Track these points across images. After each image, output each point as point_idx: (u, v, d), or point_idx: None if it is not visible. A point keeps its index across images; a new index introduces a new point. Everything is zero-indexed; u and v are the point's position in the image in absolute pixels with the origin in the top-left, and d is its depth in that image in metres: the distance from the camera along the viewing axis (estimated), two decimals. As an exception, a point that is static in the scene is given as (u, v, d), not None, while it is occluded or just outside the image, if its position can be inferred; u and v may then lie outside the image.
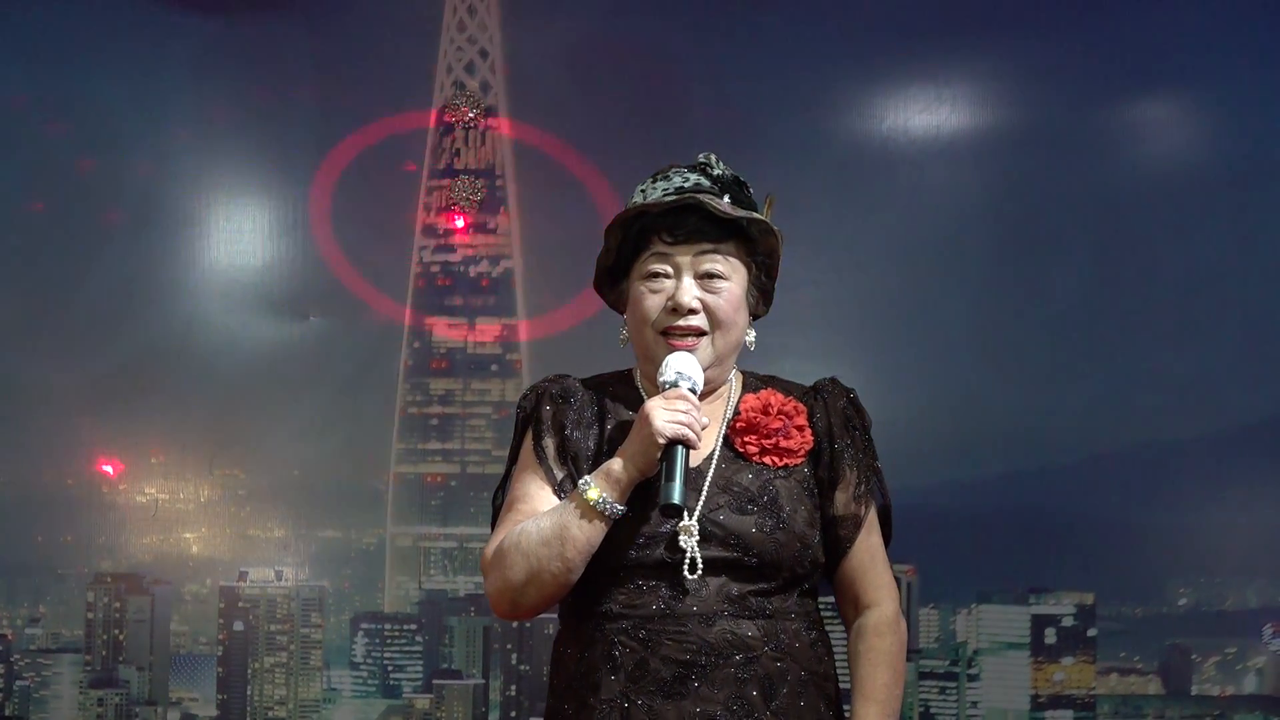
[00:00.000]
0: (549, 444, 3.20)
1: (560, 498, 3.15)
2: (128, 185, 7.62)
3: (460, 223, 7.70)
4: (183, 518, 7.62)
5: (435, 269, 7.75)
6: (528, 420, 3.25)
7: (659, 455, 3.05)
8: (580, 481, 3.09)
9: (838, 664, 3.22)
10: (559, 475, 3.19)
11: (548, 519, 3.09)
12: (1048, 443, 7.44)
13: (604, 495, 3.06)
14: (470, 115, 7.70)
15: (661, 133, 7.43)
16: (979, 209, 7.50)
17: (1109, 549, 7.41)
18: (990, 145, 7.53)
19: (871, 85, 7.57)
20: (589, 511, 3.05)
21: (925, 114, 7.50)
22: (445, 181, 7.72)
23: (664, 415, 3.04)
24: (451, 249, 7.74)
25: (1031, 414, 7.42)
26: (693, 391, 3.10)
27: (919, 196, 7.49)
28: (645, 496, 3.08)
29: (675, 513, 3.04)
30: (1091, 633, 7.41)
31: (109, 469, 7.59)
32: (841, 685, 3.23)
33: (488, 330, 7.75)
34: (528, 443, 3.23)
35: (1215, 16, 7.43)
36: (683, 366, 3.12)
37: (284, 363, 7.59)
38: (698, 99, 7.52)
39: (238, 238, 7.60)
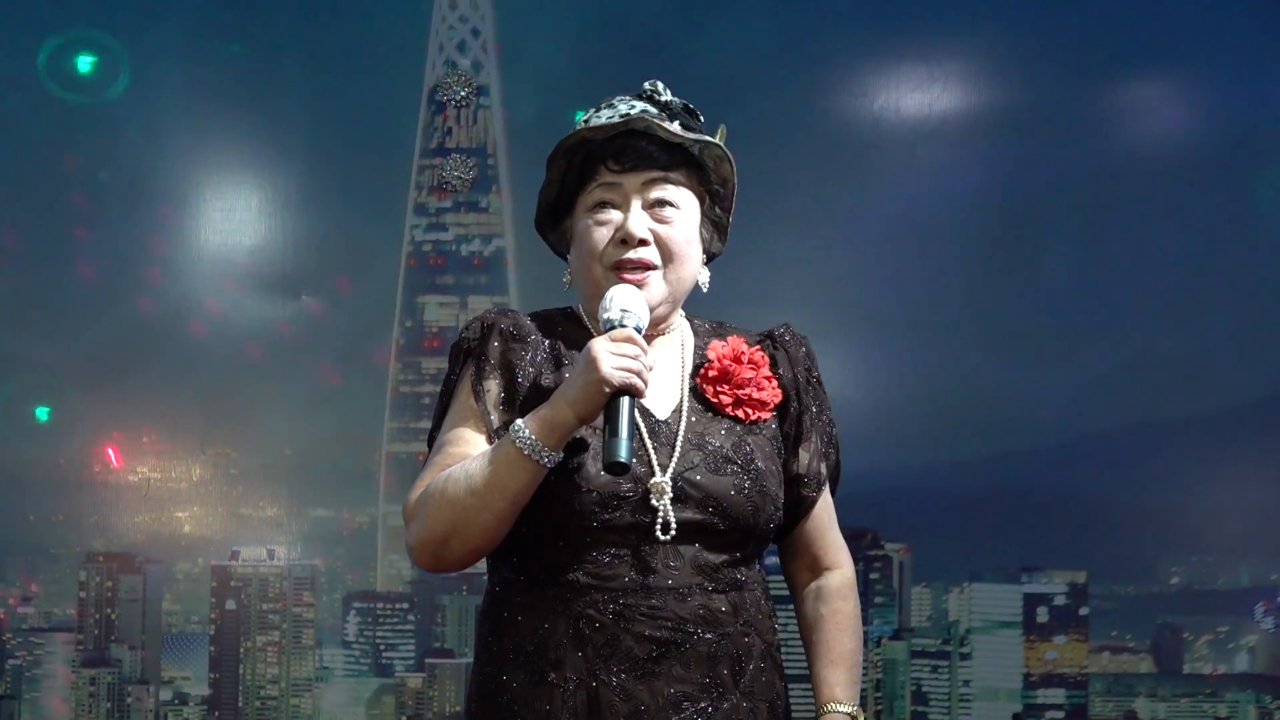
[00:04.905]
0: (492, 386, 2.93)
1: None
2: (118, 164, 7.59)
3: (449, 202, 7.69)
4: (175, 497, 7.60)
5: (427, 248, 7.74)
6: (470, 355, 2.97)
7: (603, 403, 2.78)
8: (513, 426, 2.80)
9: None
10: (497, 422, 2.91)
11: (477, 465, 2.81)
12: (1040, 422, 7.43)
13: (539, 442, 2.77)
14: (462, 94, 7.68)
15: (653, 111, 7.41)
16: (970, 188, 7.48)
17: (1101, 528, 7.40)
18: (982, 124, 7.51)
19: (863, 63, 7.55)
20: (521, 459, 2.77)
21: (917, 93, 7.48)
22: (437, 160, 7.71)
23: (611, 360, 2.76)
24: (443, 228, 7.73)
25: (1023, 393, 7.42)
26: (638, 330, 2.83)
27: (910, 176, 7.47)
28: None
29: (621, 471, 2.75)
30: (1084, 611, 7.40)
31: (112, 454, 7.57)
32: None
33: (480, 309, 7.74)
34: (467, 381, 2.96)
35: (1206, -5, 7.44)
36: (627, 302, 2.86)
37: (276, 341, 7.57)
38: (689, 76, 7.44)
39: (229, 216, 7.58)
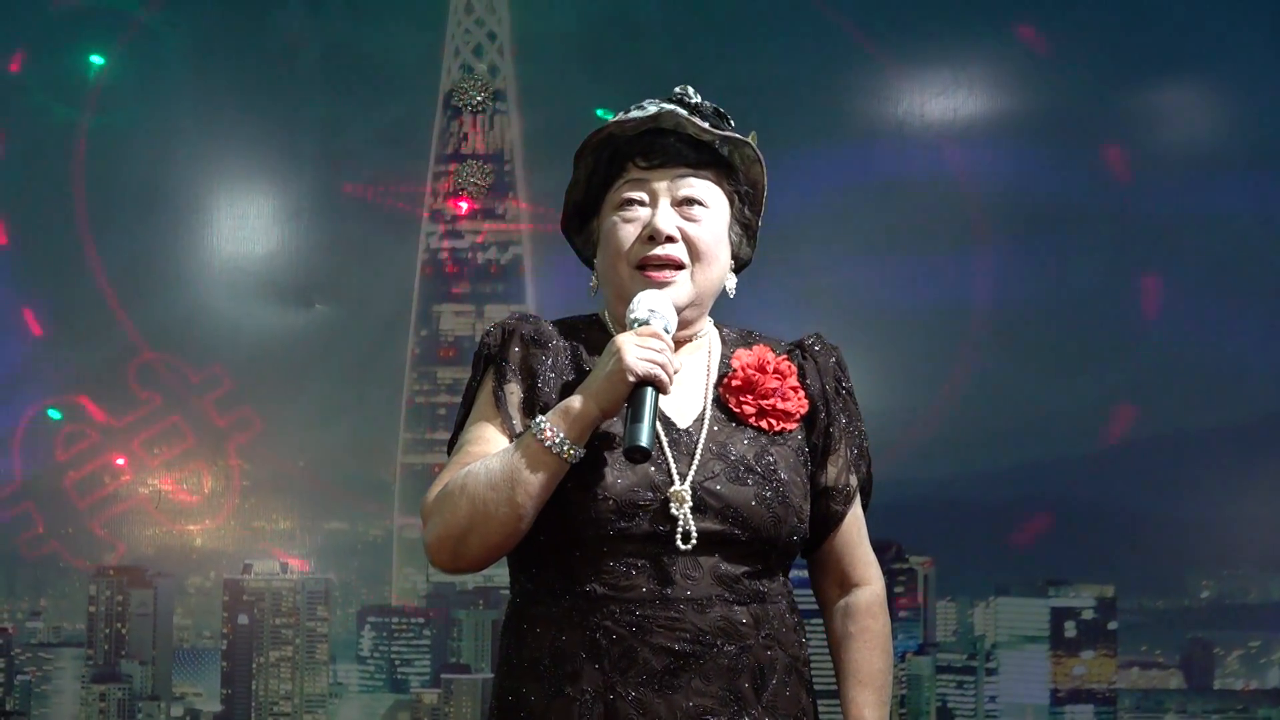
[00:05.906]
0: (513, 390, 2.91)
1: None
2: (131, 172, 7.57)
3: (464, 206, 7.63)
4: (186, 509, 7.57)
5: (443, 256, 7.71)
6: (490, 360, 2.95)
7: (626, 394, 2.77)
8: (535, 420, 2.79)
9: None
10: (519, 426, 2.88)
11: (497, 460, 2.79)
12: (1067, 434, 7.40)
13: (561, 435, 2.76)
14: (478, 99, 7.64)
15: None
16: (996, 194, 7.45)
17: (1130, 541, 7.37)
18: (1007, 129, 7.49)
19: (887, 68, 7.52)
20: (543, 453, 2.76)
21: (942, 97, 7.45)
22: (453, 166, 7.67)
23: (636, 351, 2.75)
24: (459, 235, 7.70)
25: (1050, 404, 7.38)
26: (665, 332, 2.82)
27: (935, 181, 7.43)
28: (624, 463, 2.80)
29: (642, 456, 2.73)
30: (1112, 626, 7.34)
31: (122, 465, 7.54)
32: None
33: (496, 318, 7.67)
34: (488, 385, 2.94)
35: (1234, -1, 7.41)
36: (655, 303, 2.85)
37: (289, 351, 7.55)
38: (709, 81, 7.40)
39: (242, 224, 7.56)
